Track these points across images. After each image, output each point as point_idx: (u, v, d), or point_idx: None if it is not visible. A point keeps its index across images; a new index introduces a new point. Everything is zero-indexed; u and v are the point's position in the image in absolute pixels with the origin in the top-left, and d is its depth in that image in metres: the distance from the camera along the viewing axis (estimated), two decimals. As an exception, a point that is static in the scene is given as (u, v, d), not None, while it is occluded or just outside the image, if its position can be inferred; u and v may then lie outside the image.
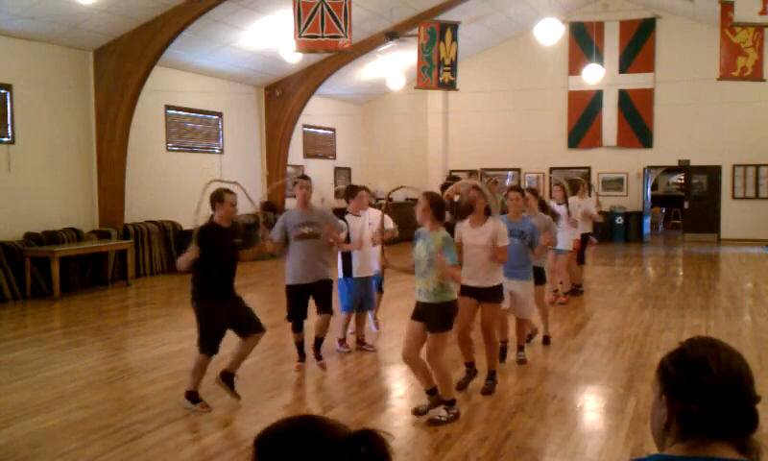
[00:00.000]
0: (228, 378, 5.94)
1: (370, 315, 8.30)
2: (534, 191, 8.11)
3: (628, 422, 5.42)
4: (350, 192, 7.63)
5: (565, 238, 10.11)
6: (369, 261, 7.51)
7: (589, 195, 12.33)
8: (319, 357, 7.01)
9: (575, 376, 6.79)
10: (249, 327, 5.89)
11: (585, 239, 11.59)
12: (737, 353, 1.60)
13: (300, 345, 6.99)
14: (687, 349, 1.62)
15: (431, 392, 5.50)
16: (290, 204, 14.73)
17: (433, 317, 5.31)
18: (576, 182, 11.45)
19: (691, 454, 1.55)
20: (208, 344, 5.72)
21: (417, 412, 5.53)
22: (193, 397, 5.74)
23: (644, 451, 4.78)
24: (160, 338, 8.58)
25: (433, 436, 5.15)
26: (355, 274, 7.43)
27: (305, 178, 7.11)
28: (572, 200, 10.60)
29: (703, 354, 1.58)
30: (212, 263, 5.69)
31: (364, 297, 7.60)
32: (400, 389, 6.45)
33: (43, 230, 12.06)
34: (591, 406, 6.09)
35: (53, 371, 7.05)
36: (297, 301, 6.84)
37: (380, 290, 8.45)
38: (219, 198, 5.95)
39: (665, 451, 1.61)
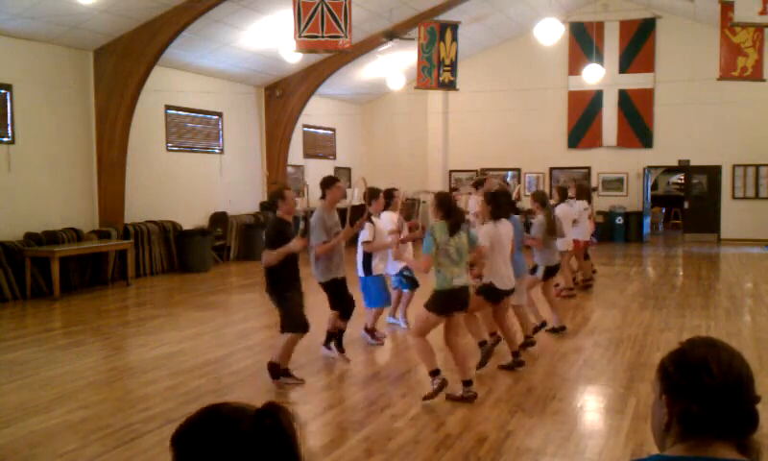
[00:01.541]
0: (286, 373, 6.40)
1: (400, 313, 8.87)
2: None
3: (628, 422, 5.42)
4: (373, 194, 7.99)
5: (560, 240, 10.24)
6: (384, 260, 8.03)
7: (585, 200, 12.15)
8: (330, 348, 7.38)
9: (575, 376, 6.79)
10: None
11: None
12: (738, 354, 1.60)
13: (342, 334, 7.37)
14: (688, 349, 1.62)
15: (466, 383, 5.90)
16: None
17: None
18: (563, 189, 11.39)
19: (692, 454, 1.55)
20: (301, 323, 6.28)
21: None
22: (286, 372, 6.35)
23: (644, 451, 4.77)
24: (160, 338, 8.58)
25: (433, 436, 5.15)
26: (375, 272, 7.85)
27: (338, 179, 7.38)
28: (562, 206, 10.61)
29: (703, 354, 1.58)
30: (288, 255, 6.16)
31: (384, 293, 8.04)
32: (401, 389, 6.45)
33: (43, 230, 12.06)
34: (591, 406, 6.10)
35: (53, 371, 7.05)
36: (339, 292, 7.16)
37: (415, 286, 8.61)
38: (281, 195, 6.31)
39: (666, 452, 1.61)
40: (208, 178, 16.47)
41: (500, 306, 6.85)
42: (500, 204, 6.68)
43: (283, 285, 6.28)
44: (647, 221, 21.49)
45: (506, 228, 6.67)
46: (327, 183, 7.14)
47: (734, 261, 16.11)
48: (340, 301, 7.17)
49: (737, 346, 1.69)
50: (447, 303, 5.82)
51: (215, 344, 8.20)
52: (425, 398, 5.81)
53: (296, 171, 19.35)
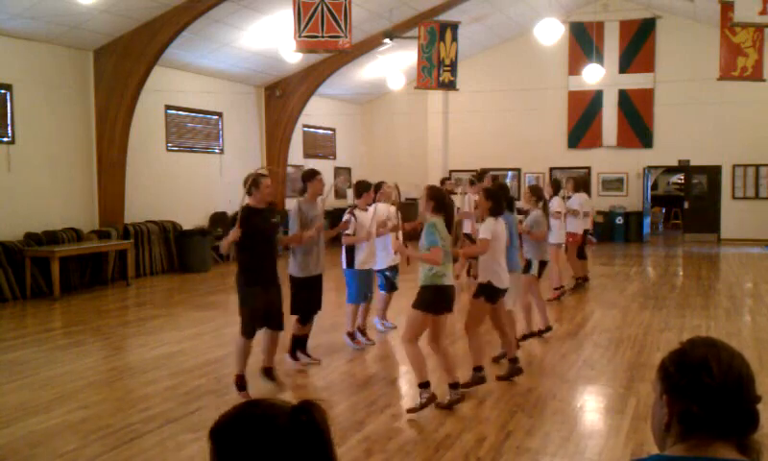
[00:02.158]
0: (268, 372, 6.23)
1: (376, 317, 8.64)
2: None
3: (628, 422, 5.41)
4: (361, 188, 7.91)
5: (552, 232, 10.26)
6: (370, 254, 7.83)
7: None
8: (296, 357, 7.14)
9: (575, 376, 6.79)
10: (271, 321, 6.11)
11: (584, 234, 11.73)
12: (738, 353, 1.60)
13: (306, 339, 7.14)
14: (688, 349, 1.62)
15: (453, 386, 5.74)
16: (289, 203, 14.72)
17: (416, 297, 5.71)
18: (557, 183, 11.50)
19: (692, 454, 1.55)
20: (249, 327, 5.97)
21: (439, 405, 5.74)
22: (241, 381, 6.02)
23: (644, 451, 4.77)
24: (160, 338, 8.58)
25: (433, 436, 5.15)
26: (358, 266, 7.70)
27: (318, 172, 7.20)
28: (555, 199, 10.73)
29: (703, 354, 1.58)
30: (255, 245, 5.87)
31: (368, 288, 7.92)
32: (401, 389, 6.45)
33: (43, 230, 12.06)
34: (591, 406, 6.09)
35: (53, 371, 7.05)
36: (307, 293, 6.86)
37: (392, 288, 8.42)
38: (255, 183, 6.09)
39: (666, 451, 1.61)
40: (208, 178, 16.46)
41: (497, 307, 6.56)
42: (500, 200, 6.50)
43: (246, 279, 5.97)
44: (647, 221, 21.50)
45: (503, 225, 6.47)
46: (309, 176, 7.02)
47: (734, 261, 16.11)
48: (302, 303, 6.84)
49: (737, 346, 1.68)
50: (438, 300, 5.64)
51: (215, 344, 8.20)
52: (410, 411, 5.57)
53: (296, 171, 19.35)
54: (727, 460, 1.53)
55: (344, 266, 7.81)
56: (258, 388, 6.29)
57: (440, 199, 5.78)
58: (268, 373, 6.23)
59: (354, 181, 21.08)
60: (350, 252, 7.70)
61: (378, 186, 8.21)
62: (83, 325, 9.48)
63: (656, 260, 17.20)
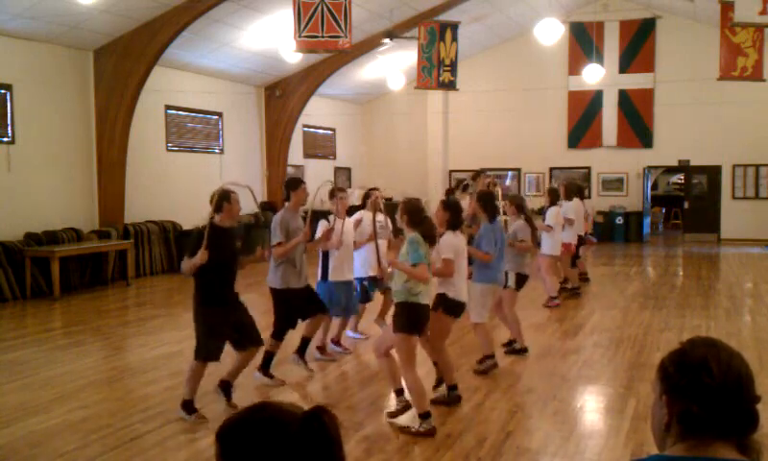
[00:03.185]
0: (225, 388, 5.87)
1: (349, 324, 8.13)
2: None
3: (628, 422, 5.42)
4: (332, 194, 7.44)
5: (547, 243, 10.20)
6: (348, 265, 7.34)
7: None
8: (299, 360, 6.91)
9: (575, 376, 6.79)
10: (249, 339, 5.77)
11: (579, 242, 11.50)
12: (737, 353, 1.60)
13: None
14: (688, 349, 1.62)
15: (399, 392, 5.45)
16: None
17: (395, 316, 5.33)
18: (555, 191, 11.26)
19: (692, 454, 1.55)
20: (205, 351, 5.55)
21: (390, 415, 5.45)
22: (188, 407, 5.56)
23: (644, 451, 4.78)
24: (160, 338, 8.58)
25: (433, 436, 5.14)
26: (331, 277, 7.23)
27: (303, 181, 6.85)
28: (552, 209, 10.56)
29: (703, 354, 1.58)
30: (213, 267, 5.43)
31: (348, 302, 7.41)
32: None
33: (43, 230, 12.06)
34: (591, 406, 6.09)
35: (53, 371, 7.05)
36: (289, 305, 6.55)
37: (367, 299, 8.01)
38: (227, 198, 5.67)
39: (666, 452, 1.61)
40: (208, 178, 16.43)
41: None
42: (458, 212, 6.03)
43: (205, 303, 5.55)
44: (647, 221, 21.49)
45: (461, 239, 6.00)
46: (292, 185, 6.62)
47: (734, 261, 16.11)
48: (282, 317, 6.53)
49: (737, 346, 1.69)
50: (419, 318, 5.28)
51: (215, 344, 8.18)
52: (405, 431, 5.25)
53: (296, 171, 19.35)
54: (727, 460, 1.53)
55: (318, 278, 7.32)
56: (258, 388, 6.29)
57: (418, 214, 5.37)
58: (225, 386, 5.89)
59: (354, 182, 21.01)
60: (325, 262, 7.24)
61: (368, 195, 7.80)
62: (83, 325, 9.48)
63: (656, 260, 17.20)
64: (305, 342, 6.91)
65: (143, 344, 8.36)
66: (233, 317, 5.67)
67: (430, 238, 5.39)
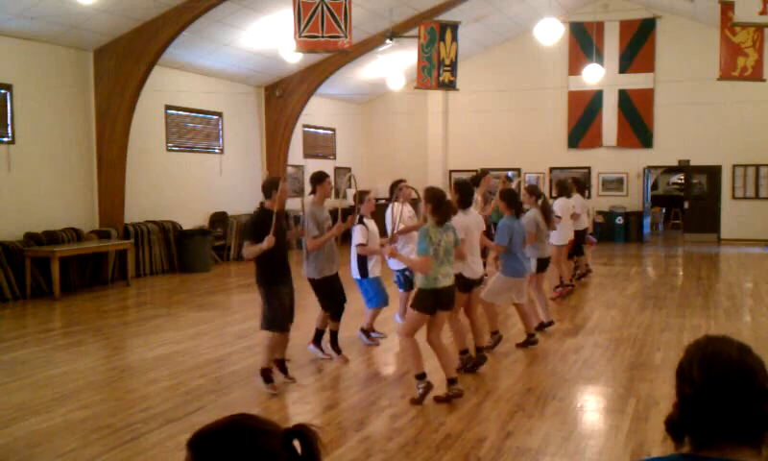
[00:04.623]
0: (282, 366, 6.49)
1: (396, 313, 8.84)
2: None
3: (628, 422, 5.42)
4: (360, 197, 7.87)
5: (554, 233, 10.27)
6: (378, 262, 7.91)
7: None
8: (320, 348, 7.40)
9: (575, 376, 6.79)
10: (290, 319, 6.37)
11: (578, 237, 11.58)
12: (737, 356, 1.58)
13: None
14: (704, 345, 1.60)
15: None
16: (289, 203, 14.73)
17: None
18: (564, 184, 11.59)
19: (705, 456, 1.53)
20: (282, 322, 6.18)
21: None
22: (267, 375, 6.17)
23: (644, 451, 4.78)
24: (160, 338, 8.58)
25: (433, 436, 5.15)
26: (371, 274, 7.80)
27: (327, 175, 7.37)
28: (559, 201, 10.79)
29: (690, 357, 1.58)
30: (276, 248, 5.98)
31: (383, 293, 7.98)
32: (401, 389, 6.44)
33: (43, 230, 12.06)
34: (591, 406, 6.09)
35: (53, 371, 7.05)
36: (330, 290, 7.12)
37: (411, 287, 8.35)
38: (275, 185, 6.17)
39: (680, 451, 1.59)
40: (208, 178, 16.47)
41: (471, 298, 6.93)
42: (468, 192, 6.79)
43: (272, 281, 6.19)
44: (647, 221, 21.49)
45: (474, 218, 6.79)
46: (318, 179, 7.16)
47: (734, 261, 16.11)
48: (330, 300, 7.14)
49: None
50: (432, 302, 5.80)
51: (215, 344, 8.20)
52: (413, 401, 5.81)
53: (296, 171, 19.36)
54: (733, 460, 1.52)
55: (357, 276, 7.86)
56: (257, 388, 6.30)
57: (438, 200, 5.82)
58: (280, 365, 6.47)
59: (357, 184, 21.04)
60: (363, 261, 7.76)
61: (397, 187, 8.37)
62: (83, 325, 9.48)
63: (656, 260, 17.20)
64: (319, 333, 7.37)
65: (143, 344, 8.36)
66: (290, 295, 6.34)
67: (444, 222, 5.86)
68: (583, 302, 10.81)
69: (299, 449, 1.30)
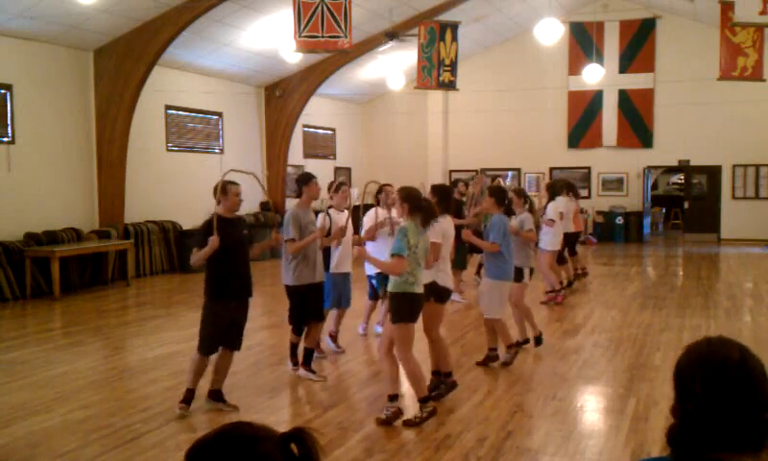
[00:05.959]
0: (217, 396, 5.81)
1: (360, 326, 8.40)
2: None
3: (628, 422, 5.41)
4: (334, 187, 7.52)
5: (547, 238, 10.21)
6: (347, 258, 7.36)
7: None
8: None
9: (575, 376, 6.79)
10: (231, 343, 5.79)
11: (567, 239, 11.44)
12: (738, 360, 1.56)
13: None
14: (705, 355, 1.59)
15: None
16: (289, 203, 14.72)
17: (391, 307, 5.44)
18: (557, 185, 11.41)
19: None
20: (207, 345, 5.66)
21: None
22: (189, 396, 5.66)
23: (644, 451, 4.78)
24: (160, 338, 8.58)
25: (433, 436, 5.15)
26: (333, 269, 7.28)
27: (314, 176, 6.87)
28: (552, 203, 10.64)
29: (691, 363, 1.57)
30: (222, 257, 5.48)
31: (342, 293, 7.47)
32: (401, 389, 6.43)
33: (43, 230, 12.05)
34: (591, 406, 6.09)
35: (53, 371, 7.05)
36: (303, 301, 6.55)
37: (377, 297, 8.08)
38: (223, 190, 5.77)
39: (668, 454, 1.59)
40: (208, 178, 16.37)
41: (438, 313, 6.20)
42: (448, 196, 6.34)
43: (215, 296, 5.61)
44: (647, 221, 21.50)
45: (449, 224, 6.15)
46: (304, 180, 6.66)
47: (734, 261, 16.11)
48: (295, 312, 6.55)
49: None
50: (410, 307, 5.33)
51: (215, 344, 8.18)
52: (379, 422, 5.35)
53: (296, 171, 19.35)
54: None
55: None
56: (257, 388, 6.29)
57: (415, 200, 5.38)
58: (216, 396, 5.79)
59: (354, 181, 20.99)
60: (326, 255, 7.16)
61: (380, 191, 7.97)
62: (83, 325, 9.47)
63: (656, 260, 17.20)
64: (309, 352, 6.77)
65: (143, 344, 8.36)
66: (233, 312, 5.69)
67: (427, 223, 5.41)
68: (583, 302, 10.81)
69: (296, 453, 1.29)
